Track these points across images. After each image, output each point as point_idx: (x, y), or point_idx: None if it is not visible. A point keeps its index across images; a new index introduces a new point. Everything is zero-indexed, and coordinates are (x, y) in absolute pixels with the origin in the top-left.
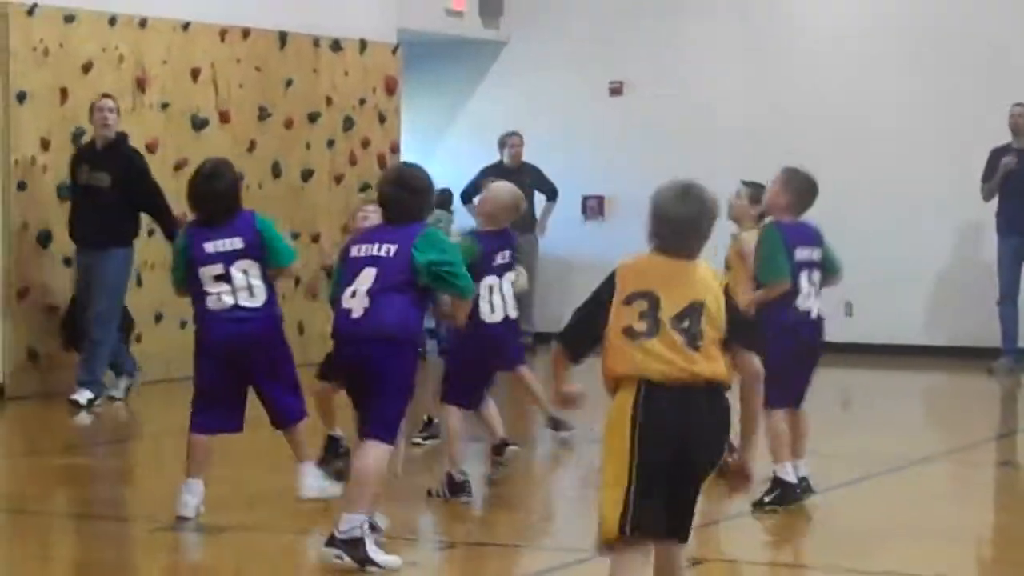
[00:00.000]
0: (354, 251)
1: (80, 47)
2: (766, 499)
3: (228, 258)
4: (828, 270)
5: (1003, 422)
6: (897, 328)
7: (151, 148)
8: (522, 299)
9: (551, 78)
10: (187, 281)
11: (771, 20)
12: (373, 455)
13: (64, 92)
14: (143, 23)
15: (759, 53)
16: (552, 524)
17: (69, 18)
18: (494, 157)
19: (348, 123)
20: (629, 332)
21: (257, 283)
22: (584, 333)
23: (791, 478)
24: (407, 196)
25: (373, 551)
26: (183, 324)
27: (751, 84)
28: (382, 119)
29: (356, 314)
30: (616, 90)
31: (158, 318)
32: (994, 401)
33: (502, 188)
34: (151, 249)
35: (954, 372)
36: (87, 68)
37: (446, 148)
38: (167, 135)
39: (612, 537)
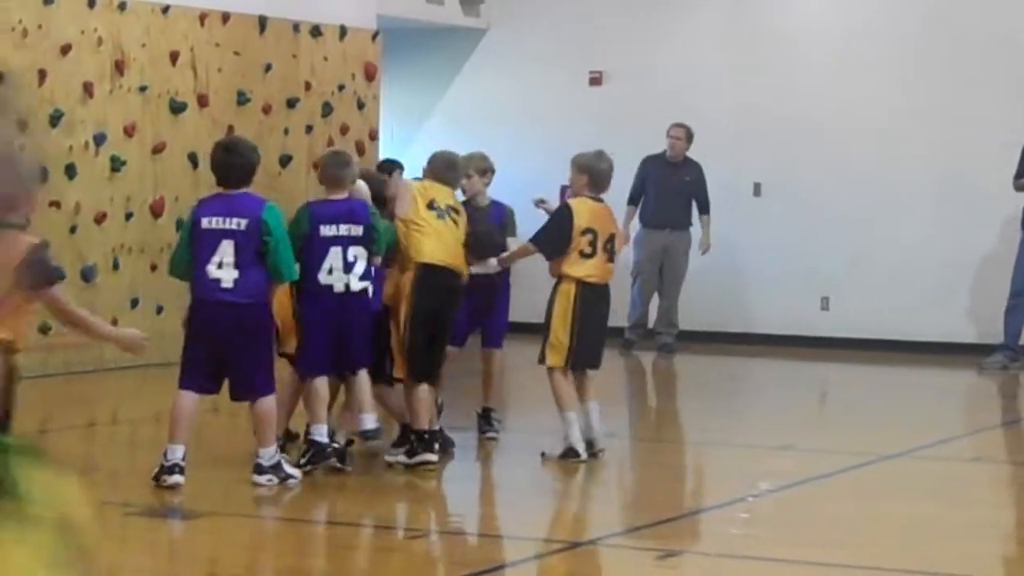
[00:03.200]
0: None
1: (59, 29)
2: (302, 460)
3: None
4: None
5: (981, 418)
6: (873, 323)
7: (129, 132)
8: (667, 299)
9: (531, 67)
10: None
11: (753, 13)
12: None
13: (42, 74)
14: (122, 6)
15: (740, 46)
16: (520, 514)
17: (48, 0)
18: (473, 146)
19: (327, 109)
20: (582, 253)
21: None
22: (559, 245)
23: (323, 439)
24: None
25: (288, 468)
26: (159, 310)
27: (732, 76)
28: (361, 105)
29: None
30: (596, 80)
31: (134, 303)
32: (979, 397)
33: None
34: (129, 232)
35: (930, 367)
36: (66, 50)
37: (425, 135)
38: (145, 119)
39: (558, 366)
